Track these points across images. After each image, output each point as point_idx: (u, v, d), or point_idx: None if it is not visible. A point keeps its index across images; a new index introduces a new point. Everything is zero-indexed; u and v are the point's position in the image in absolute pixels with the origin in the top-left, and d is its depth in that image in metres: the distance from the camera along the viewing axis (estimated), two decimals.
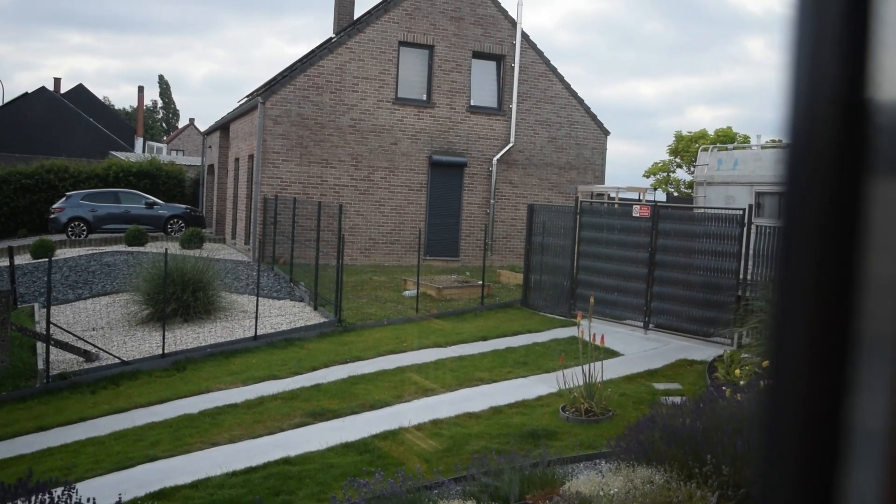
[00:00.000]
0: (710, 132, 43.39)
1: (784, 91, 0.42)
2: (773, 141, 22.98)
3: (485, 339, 12.18)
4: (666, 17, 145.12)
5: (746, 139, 39.69)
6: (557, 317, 13.94)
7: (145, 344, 12.01)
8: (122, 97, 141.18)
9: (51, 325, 10.96)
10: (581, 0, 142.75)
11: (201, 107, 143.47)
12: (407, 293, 15.46)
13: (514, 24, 21.95)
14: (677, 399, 8.33)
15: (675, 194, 42.73)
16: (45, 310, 11.74)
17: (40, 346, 11.41)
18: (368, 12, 22.91)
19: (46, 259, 13.64)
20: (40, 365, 10.92)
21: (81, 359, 11.22)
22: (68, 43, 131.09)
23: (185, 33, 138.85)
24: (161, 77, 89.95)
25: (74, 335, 11.58)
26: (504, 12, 21.93)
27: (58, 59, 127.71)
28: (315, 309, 14.09)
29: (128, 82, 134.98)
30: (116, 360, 11.07)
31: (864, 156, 0.36)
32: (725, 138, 40.38)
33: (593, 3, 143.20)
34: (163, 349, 11.31)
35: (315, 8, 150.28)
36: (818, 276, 0.37)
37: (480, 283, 15.40)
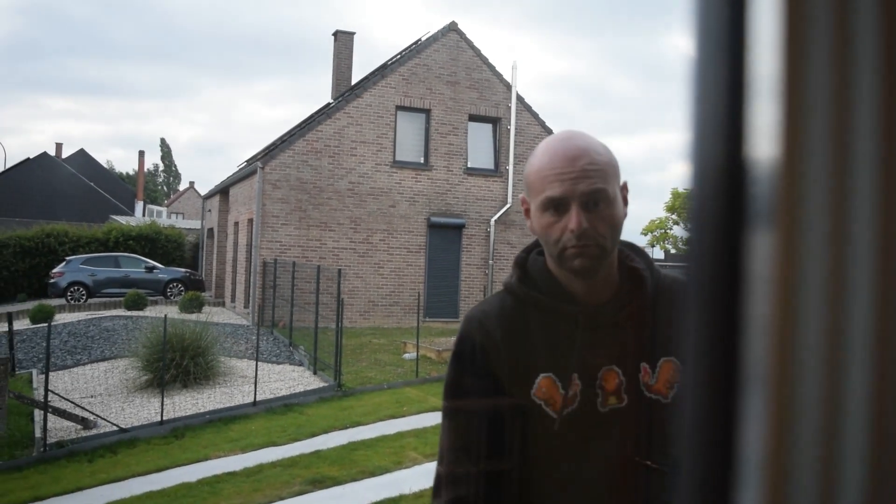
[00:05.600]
0: None
1: (685, 145, 0.48)
2: None
3: None
4: (629, 76, 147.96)
5: None
6: None
7: (143, 411, 11.93)
8: (116, 160, 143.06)
9: (49, 393, 10.90)
10: (545, 62, 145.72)
11: (189, 169, 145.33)
12: (407, 356, 15.42)
13: (508, 87, 22.33)
14: None
15: (673, 251, 42.89)
16: (42, 376, 11.69)
17: (38, 414, 11.33)
18: (366, 78, 23.35)
19: (45, 324, 13.63)
20: (37, 433, 10.82)
21: (79, 426, 11.13)
22: (52, 108, 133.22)
23: (164, 98, 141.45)
24: (163, 140, 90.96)
25: (72, 402, 11.50)
26: (499, 76, 22.33)
27: (43, 123, 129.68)
28: (314, 373, 14.04)
29: (115, 146, 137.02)
30: (114, 428, 10.98)
31: (744, 209, 0.42)
32: None
33: (557, 64, 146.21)
34: (161, 416, 11.23)
35: (283, 73, 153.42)
36: (710, 316, 0.45)
37: None
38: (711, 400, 0.45)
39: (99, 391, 13.02)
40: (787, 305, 0.38)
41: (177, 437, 10.76)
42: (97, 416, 11.36)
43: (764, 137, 0.40)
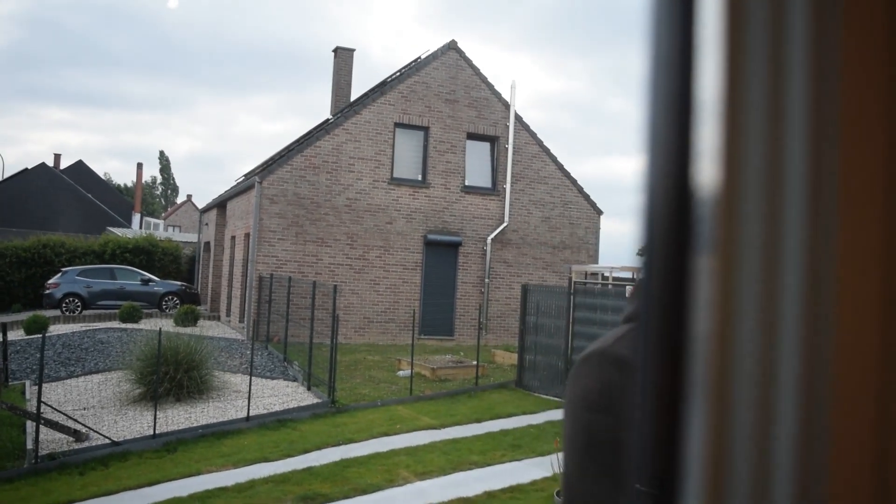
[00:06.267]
0: None
1: (639, 171, 0.52)
2: None
3: (479, 420, 12.10)
4: (627, 95, 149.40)
5: None
6: (552, 398, 13.88)
7: (136, 424, 11.90)
8: (113, 172, 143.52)
9: (41, 404, 10.87)
10: (543, 80, 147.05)
11: (186, 181, 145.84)
12: (401, 373, 15.41)
13: (507, 106, 22.44)
14: None
15: None
16: (36, 387, 11.66)
17: (30, 426, 11.29)
18: (365, 94, 23.46)
19: (40, 335, 13.60)
20: (29, 444, 10.78)
21: (71, 439, 11.10)
22: (50, 118, 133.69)
23: (161, 110, 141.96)
24: (162, 153, 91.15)
25: (65, 414, 11.48)
26: (497, 95, 22.44)
27: (41, 134, 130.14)
28: (308, 389, 14.02)
29: (113, 157, 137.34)
30: (106, 441, 10.95)
31: (690, 234, 0.46)
32: None
33: (555, 83, 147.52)
34: (154, 429, 11.20)
35: (282, 89, 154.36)
36: (659, 329, 0.50)
37: (475, 363, 15.36)
38: (660, 405, 0.50)
39: (92, 403, 12.99)
40: (726, 322, 0.42)
41: (169, 451, 10.73)
42: (90, 428, 11.33)
43: (707, 163, 0.43)
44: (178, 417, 12.14)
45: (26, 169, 48.33)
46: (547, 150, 23.07)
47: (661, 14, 0.47)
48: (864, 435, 0.39)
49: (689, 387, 0.45)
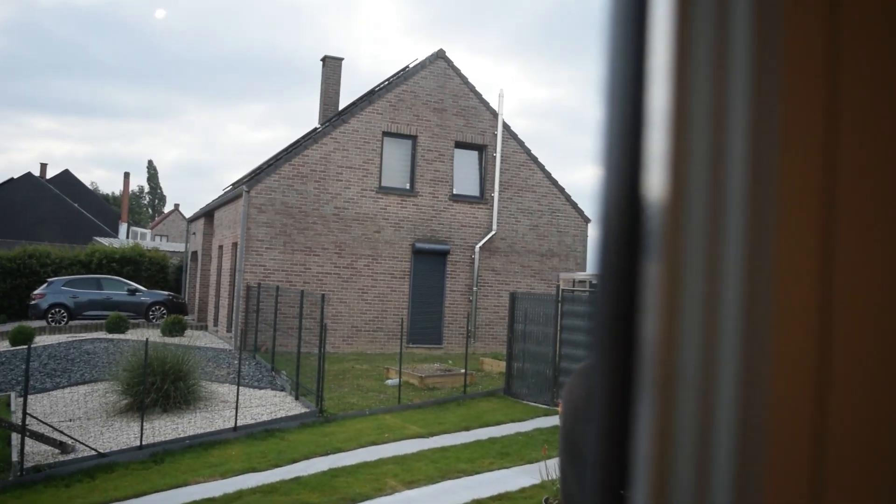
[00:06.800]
0: None
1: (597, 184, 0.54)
2: None
3: (467, 429, 12.10)
4: None
5: None
6: (541, 405, 13.88)
7: (123, 435, 11.83)
8: (100, 181, 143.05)
9: (27, 416, 10.79)
10: (530, 89, 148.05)
11: (173, 190, 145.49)
12: (389, 382, 15.39)
13: (495, 115, 22.50)
14: None
15: None
16: (21, 399, 11.58)
17: (15, 438, 11.21)
18: (353, 103, 23.47)
19: (25, 346, 13.52)
20: (14, 457, 10.70)
21: (57, 451, 11.02)
22: (36, 127, 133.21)
23: (149, 119, 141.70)
24: (150, 162, 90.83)
25: (51, 426, 11.39)
26: (485, 104, 22.50)
27: (26, 142, 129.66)
28: (296, 399, 13.98)
29: (99, 166, 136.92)
30: (93, 452, 10.87)
31: (640, 242, 0.48)
32: None
33: (542, 91, 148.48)
34: (140, 441, 11.14)
35: (270, 98, 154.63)
36: (610, 334, 0.52)
37: (463, 371, 15.36)
38: (611, 405, 0.52)
39: (78, 415, 12.90)
40: (670, 326, 0.44)
41: (156, 462, 10.67)
42: (75, 440, 11.25)
43: (656, 174, 0.45)
44: (165, 428, 12.08)
45: (12, 178, 48.10)
46: (535, 159, 23.14)
47: (613, 35, 0.49)
48: (800, 435, 0.40)
49: (637, 390, 0.47)
